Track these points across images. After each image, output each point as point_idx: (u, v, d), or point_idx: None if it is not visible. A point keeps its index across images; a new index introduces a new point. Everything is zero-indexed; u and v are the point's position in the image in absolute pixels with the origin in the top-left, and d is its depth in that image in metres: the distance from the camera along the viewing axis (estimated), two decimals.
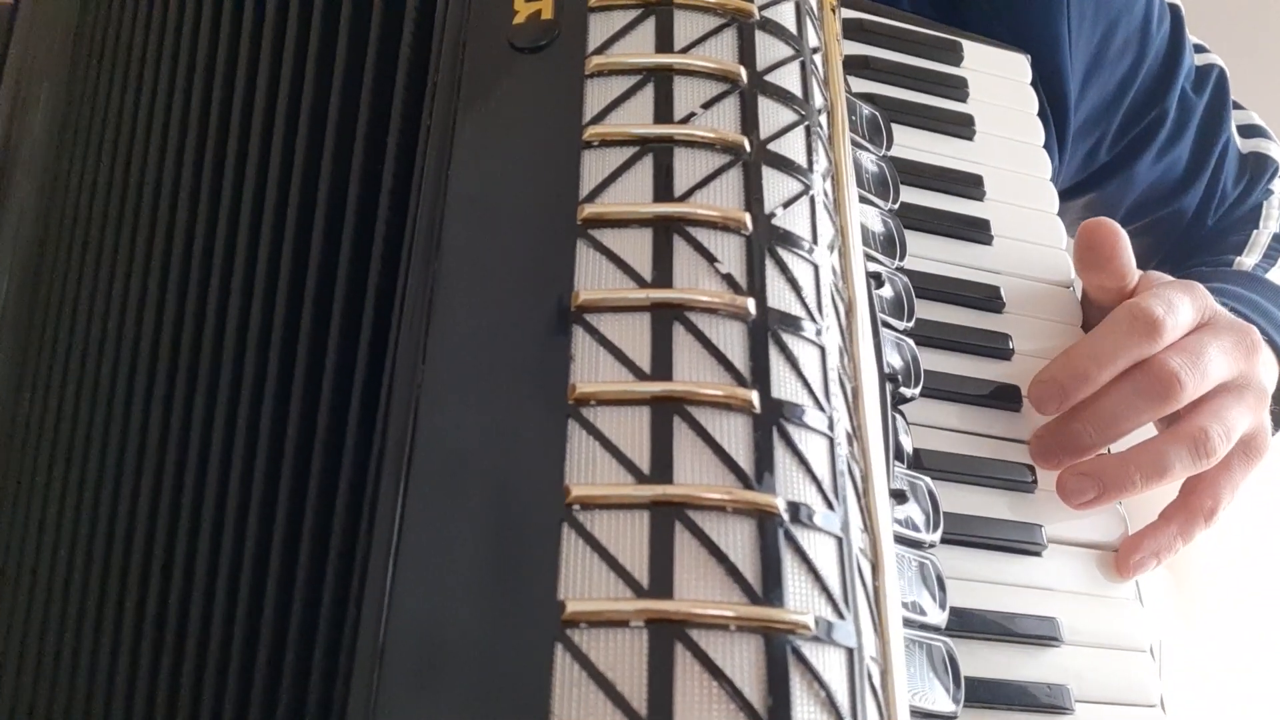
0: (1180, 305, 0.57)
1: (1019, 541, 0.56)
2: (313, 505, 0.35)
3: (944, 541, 0.53)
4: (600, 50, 0.39)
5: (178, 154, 0.43)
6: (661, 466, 0.32)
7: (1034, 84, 0.67)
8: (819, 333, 0.36)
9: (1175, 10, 0.78)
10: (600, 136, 0.37)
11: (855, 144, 0.55)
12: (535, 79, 0.39)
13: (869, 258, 0.52)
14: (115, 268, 0.42)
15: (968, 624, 0.52)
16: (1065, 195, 0.76)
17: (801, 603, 0.31)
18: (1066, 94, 0.70)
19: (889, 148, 0.58)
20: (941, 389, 0.57)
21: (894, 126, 0.59)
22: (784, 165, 0.39)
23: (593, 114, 0.38)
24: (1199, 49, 0.81)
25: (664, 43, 0.39)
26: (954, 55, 0.66)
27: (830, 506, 0.33)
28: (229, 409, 0.38)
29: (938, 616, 0.48)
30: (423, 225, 0.38)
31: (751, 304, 0.35)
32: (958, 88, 0.65)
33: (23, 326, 0.43)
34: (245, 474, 0.37)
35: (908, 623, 0.45)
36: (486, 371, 0.34)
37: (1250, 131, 0.84)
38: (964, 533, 0.54)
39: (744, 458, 0.32)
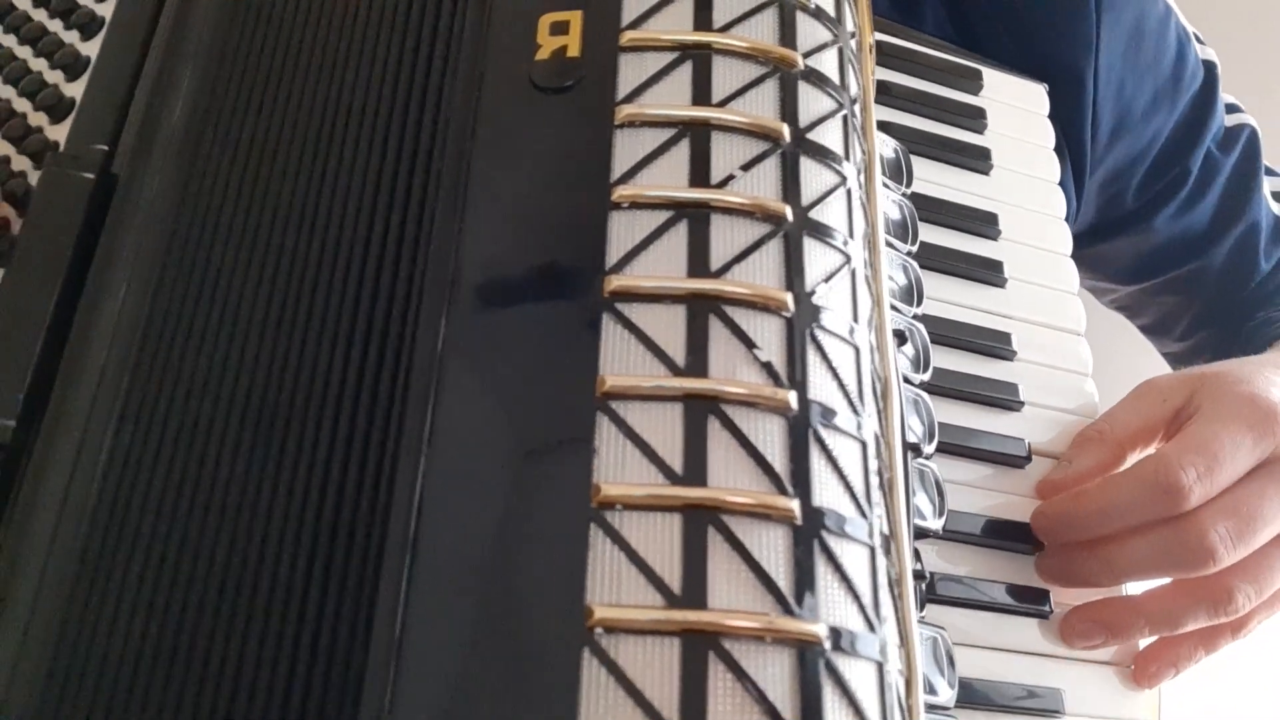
0: (1226, 458, 0.50)
1: (1023, 605, 0.54)
2: (312, 609, 0.32)
3: (948, 603, 0.51)
4: (631, 98, 0.36)
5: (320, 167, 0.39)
6: (694, 587, 0.29)
7: (1052, 118, 0.64)
8: (859, 426, 0.33)
9: (1210, 68, 0.74)
10: (630, 198, 0.34)
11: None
12: (559, 124, 0.36)
13: (891, 308, 0.49)
14: (234, 288, 0.37)
15: (971, 696, 0.50)
16: (1075, 241, 0.73)
17: None
18: (1084, 139, 0.66)
19: (909, 185, 0.55)
20: (948, 442, 0.54)
21: (911, 159, 0.56)
22: (825, 234, 0.35)
23: (622, 171, 0.35)
24: (1231, 108, 0.77)
25: (701, 94, 0.36)
26: (974, 84, 0.63)
27: (872, 628, 0.30)
28: (275, 472, 0.34)
29: (947, 694, 0.46)
30: (432, 286, 0.34)
31: (793, 398, 0.32)
32: (976, 118, 0.63)
33: (134, 347, 0.37)
34: (254, 558, 0.33)
35: None
36: (499, 462, 0.31)
37: None
38: (967, 594, 0.52)
39: (784, 577, 0.29)
